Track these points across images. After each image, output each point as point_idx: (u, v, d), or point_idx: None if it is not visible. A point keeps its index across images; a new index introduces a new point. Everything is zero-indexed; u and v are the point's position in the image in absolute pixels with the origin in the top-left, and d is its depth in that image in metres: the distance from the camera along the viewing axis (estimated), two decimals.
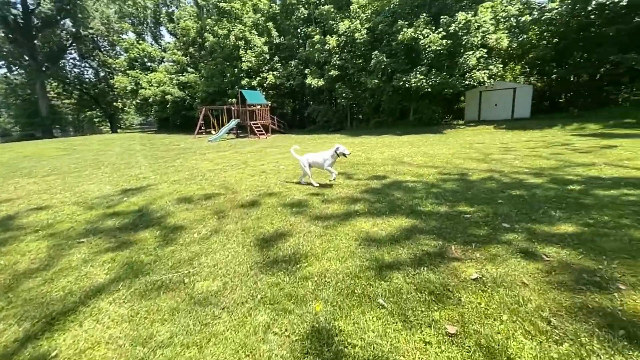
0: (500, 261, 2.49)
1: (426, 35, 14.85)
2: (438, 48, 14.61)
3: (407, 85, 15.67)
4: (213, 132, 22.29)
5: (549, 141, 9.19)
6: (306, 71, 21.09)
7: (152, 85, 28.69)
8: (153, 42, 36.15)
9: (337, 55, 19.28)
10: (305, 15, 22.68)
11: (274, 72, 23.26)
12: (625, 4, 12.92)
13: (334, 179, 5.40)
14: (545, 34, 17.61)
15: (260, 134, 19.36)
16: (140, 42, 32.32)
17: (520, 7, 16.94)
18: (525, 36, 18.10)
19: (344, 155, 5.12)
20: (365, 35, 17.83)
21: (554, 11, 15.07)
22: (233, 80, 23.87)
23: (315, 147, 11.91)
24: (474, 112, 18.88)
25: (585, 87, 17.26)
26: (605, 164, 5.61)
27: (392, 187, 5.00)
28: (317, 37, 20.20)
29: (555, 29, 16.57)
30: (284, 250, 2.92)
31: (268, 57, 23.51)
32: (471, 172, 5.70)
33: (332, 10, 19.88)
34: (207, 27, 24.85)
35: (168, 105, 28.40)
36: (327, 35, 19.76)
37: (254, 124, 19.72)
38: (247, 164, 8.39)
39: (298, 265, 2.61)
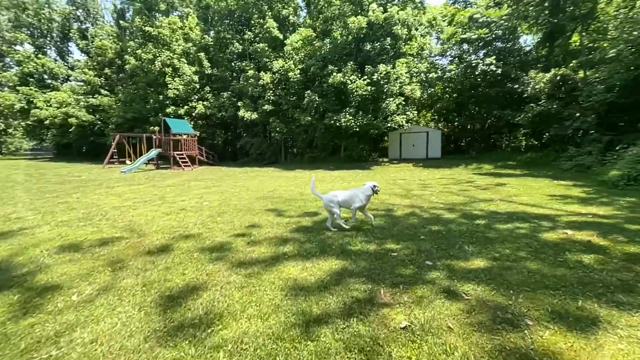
0: (426, 303, 2.46)
1: (353, 81, 16.35)
2: (364, 93, 16.14)
3: (337, 124, 16.67)
4: (128, 162, 19.74)
5: (456, 179, 10.56)
6: (239, 103, 20.88)
7: (50, 106, 24.59)
8: (57, 58, 31.67)
9: (271, 91, 19.69)
10: (240, 51, 22.97)
11: (205, 102, 22.41)
12: (499, 72, 16.60)
13: (372, 220, 4.66)
14: (447, 89, 21.24)
15: (185, 166, 17.88)
16: (40, 56, 27.98)
17: (428, 66, 20.25)
18: (432, 89, 21.50)
19: (376, 192, 4.56)
20: (298, 75, 18.76)
21: (452, 72, 18.43)
22: (157, 107, 22.12)
23: (247, 182, 11.41)
24: (396, 151, 21.01)
25: (478, 134, 21.01)
26: (500, 200, 6.56)
27: (324, 225, 4.88)
28: (251, 72, 20.46)
29: (454, 86, 20.16)
30: (194, 309, 2.42)
31: (198, 87, 22.67)
32: (396, 208, 6.01)
33: (266, 48, 20.59)
34: (129, 49, 23.05)
35: (71, 130, 24.49)
36: (262, 72, 20.18)
37: (178, 154, 18.19)
38: (164, 199, 7.42)
39: (210, 330, 2.15)
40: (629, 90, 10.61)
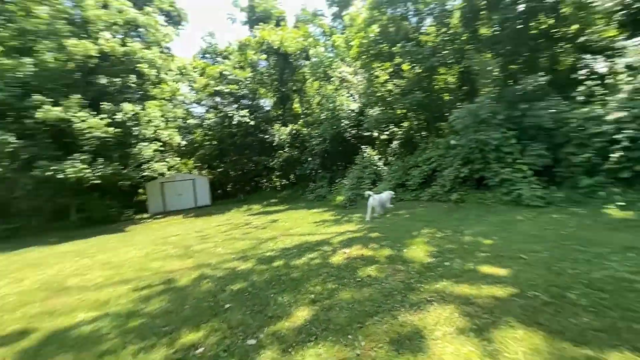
0: None
1: (84, 118, 12.39)
2: (104, 135, 12.61)
3: (60, 177, 11.70)
4: None
5: (234, 223, 10.24)
6: None
7: None
8: None
9: None
10: None
11: None
12: (252, 124, 19.07)
13: None
14: (207, 137, 21.45)
15: None
16: None
17: (185, 112, 19.58)
18: (192, 137, 20.93)
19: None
20: None
21: (211, 120, 18.88)
22: None
23: None
24: (159, 203, 17.99)
25: (242, 178, 22.61)
26: (282, 235, 6.79)
27: (51, 349, 2.66)
28: None
29: (214, 134, 20.73)
30: None
31: None
32: (178, 275, 4.53)
33: None
34: None
35: None
36: None
37: None
38: None
39: None
40: (334, 142, 15.52)
